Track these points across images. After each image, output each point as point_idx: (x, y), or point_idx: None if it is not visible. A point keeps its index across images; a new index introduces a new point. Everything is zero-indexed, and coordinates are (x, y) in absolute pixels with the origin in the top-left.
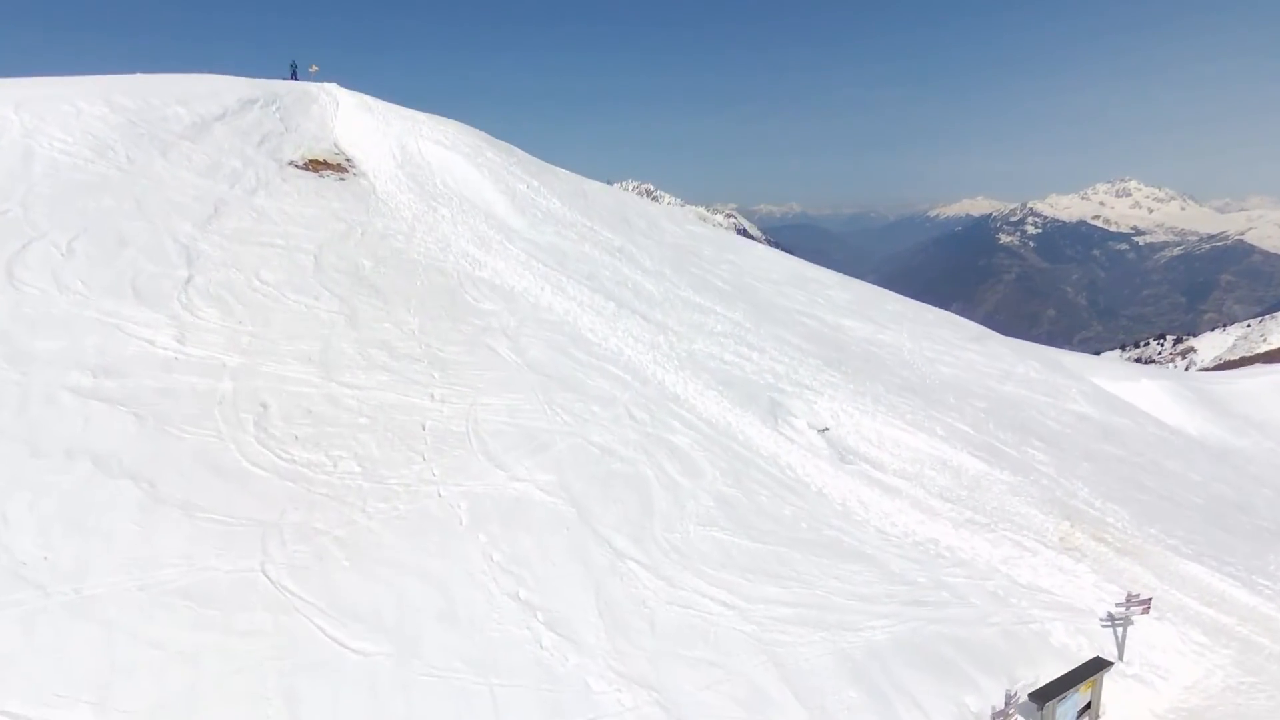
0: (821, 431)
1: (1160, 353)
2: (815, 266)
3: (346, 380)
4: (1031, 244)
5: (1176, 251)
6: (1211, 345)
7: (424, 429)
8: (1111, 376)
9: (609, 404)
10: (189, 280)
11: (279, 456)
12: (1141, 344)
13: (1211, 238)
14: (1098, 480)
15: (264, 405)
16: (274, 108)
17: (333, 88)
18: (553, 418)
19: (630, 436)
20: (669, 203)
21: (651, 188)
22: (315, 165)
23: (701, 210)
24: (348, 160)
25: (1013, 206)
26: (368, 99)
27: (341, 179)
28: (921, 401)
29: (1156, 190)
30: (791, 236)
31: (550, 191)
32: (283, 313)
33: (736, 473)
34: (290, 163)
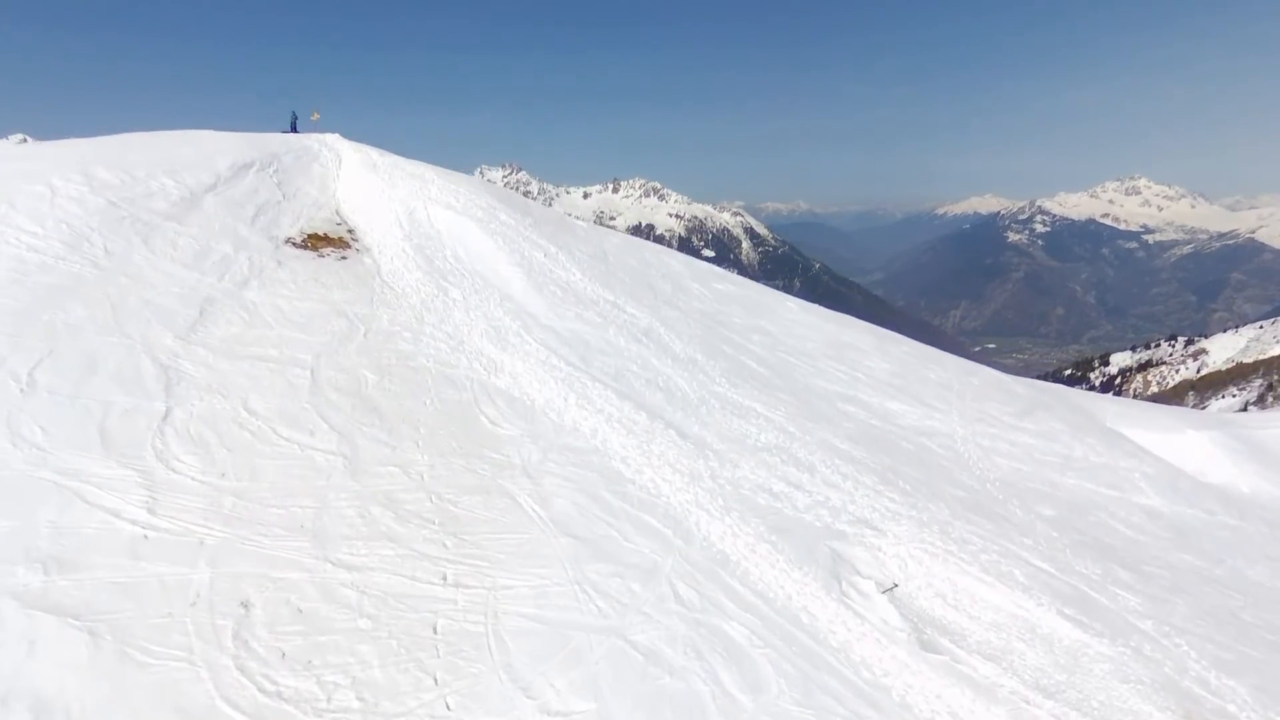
0: (890, 590)
1: (1171, 354)
2: (849, 323)
3: (344, 558)
4: (1040, 242)
5: (1186, 250)
6: (1223, 347)
7: (435, 631)
8: (1155, 428)
9: (650, 577)
10: (167, 415)
11: (261, 689)
12: (1152, 345)
13: (1222, 236)
14: (1197, 629)
15: (245, 605)
16: (271, 170)
17: (335, 140)
18: (586, 605)
19: (678, 630)
20: (675, 201)
21: (659, 185)
22: (315, 241)
23: (708, 208)
24: (350, 232)
25: (1021, 204)
26: (372, 154)
27: (344, 257)
28: (990, 526)
29: (1166, 188)
30: (799, 234)
31: (569, 258)
32: (273, 458)
33: (805, 680)
34: (288, 240)
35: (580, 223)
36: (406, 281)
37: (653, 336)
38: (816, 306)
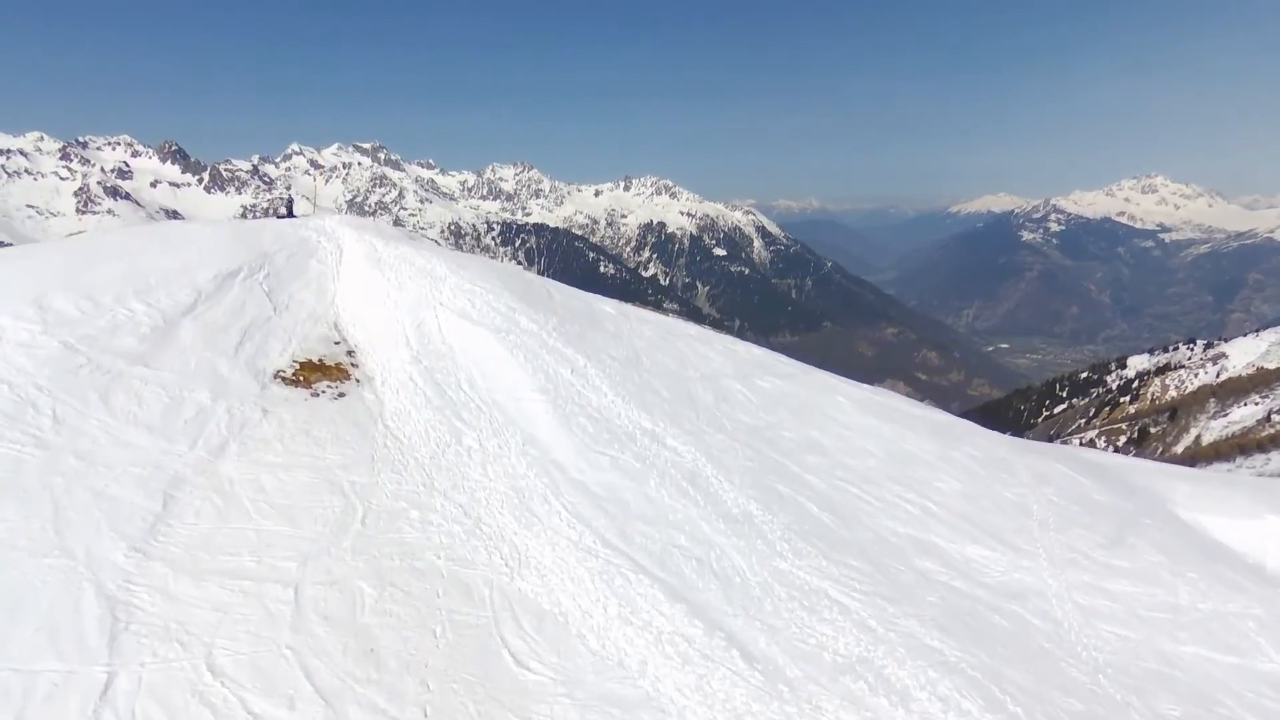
0: None
1: (1190, 358)
2: (909, 420)
3: None
4: (1054, 241)
5: (1203, 249)
6: (1244, 351)
7: None
8: (1233, 513)
9: None
10: (107, 688)
11: None
12: (1170, 348)
13: (1239, 235)
14: None
15: None
16: (262, 275)
17: (336, 226)
18: None
19: None
20: (687, 199)
21: (670, 183)
22: (308, 373)
23: (720, 207)
24: (350, 354)
25: (1035, 203)
26: (377, 244)
27: (341, 394)
28: None
29: (1184, 187)
30: (811, 233)
31: (600, 370)
32: None
33: None
34: (277, 374)
35: (608, 308)
36: (414, 425)
37: (700, 483)
38: (868, 395)
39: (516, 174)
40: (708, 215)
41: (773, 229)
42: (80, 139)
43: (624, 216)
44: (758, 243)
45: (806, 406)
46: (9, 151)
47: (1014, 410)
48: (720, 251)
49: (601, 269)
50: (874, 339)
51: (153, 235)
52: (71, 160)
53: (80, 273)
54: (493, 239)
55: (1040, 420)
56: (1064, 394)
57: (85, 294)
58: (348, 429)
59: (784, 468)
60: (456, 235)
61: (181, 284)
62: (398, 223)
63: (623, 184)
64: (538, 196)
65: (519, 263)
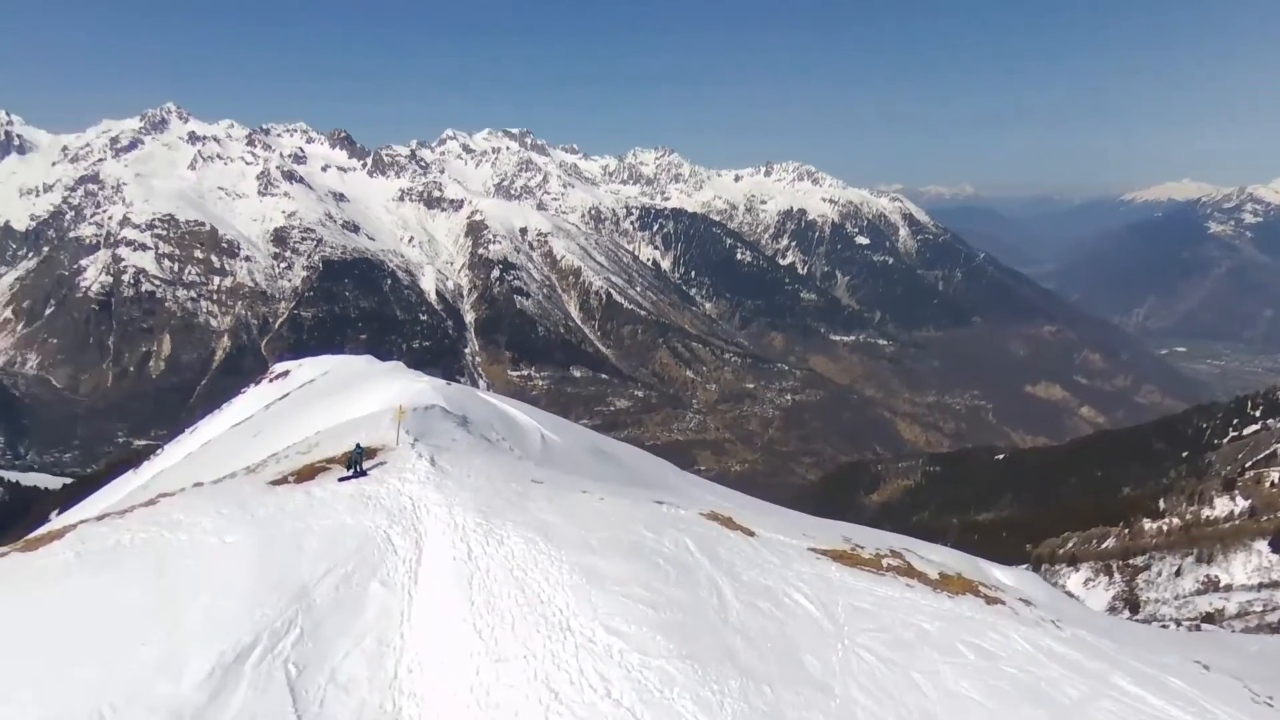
0: None
1: None
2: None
3: None
4: (1248, 234)
5: None
6: None
7: None
8: None
9: None
10: None
11: None
12: None
13: None
14: None
15: None
16: (289, 642)
17: (419, 497)
18: None
19: None
20: (829, 185)
21: (812, 169)
22: None
23: (864, 193)
24: None
25: (1227, 191)
26: (470, 530)
27: None
28: None
29: None
30: (962, 220)
31: None
32: None
33: None
34: None
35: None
36: None
37: None
38: (982, 620)
39: (657, 158)
40: (851, 202)
41: (921, 216)
42: (263, 126)
43: (763, 203)
44: (903, 231)
45: (900, 650)
46: (205, 138)
47: (1194, 428)
48: (863, 240)
49: (738, 255)
50: (1029, 337)
51: (133, 578)
52: (255, 146)
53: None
54: (631, 223)
55: (1225, 441)
56: (1257, 414)
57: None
58: None
59: None
60: (596, 220)
61: (157, 700)
62: (541, 207)
63: (763, 169)
64: (677, 181)
65: (656, 248)
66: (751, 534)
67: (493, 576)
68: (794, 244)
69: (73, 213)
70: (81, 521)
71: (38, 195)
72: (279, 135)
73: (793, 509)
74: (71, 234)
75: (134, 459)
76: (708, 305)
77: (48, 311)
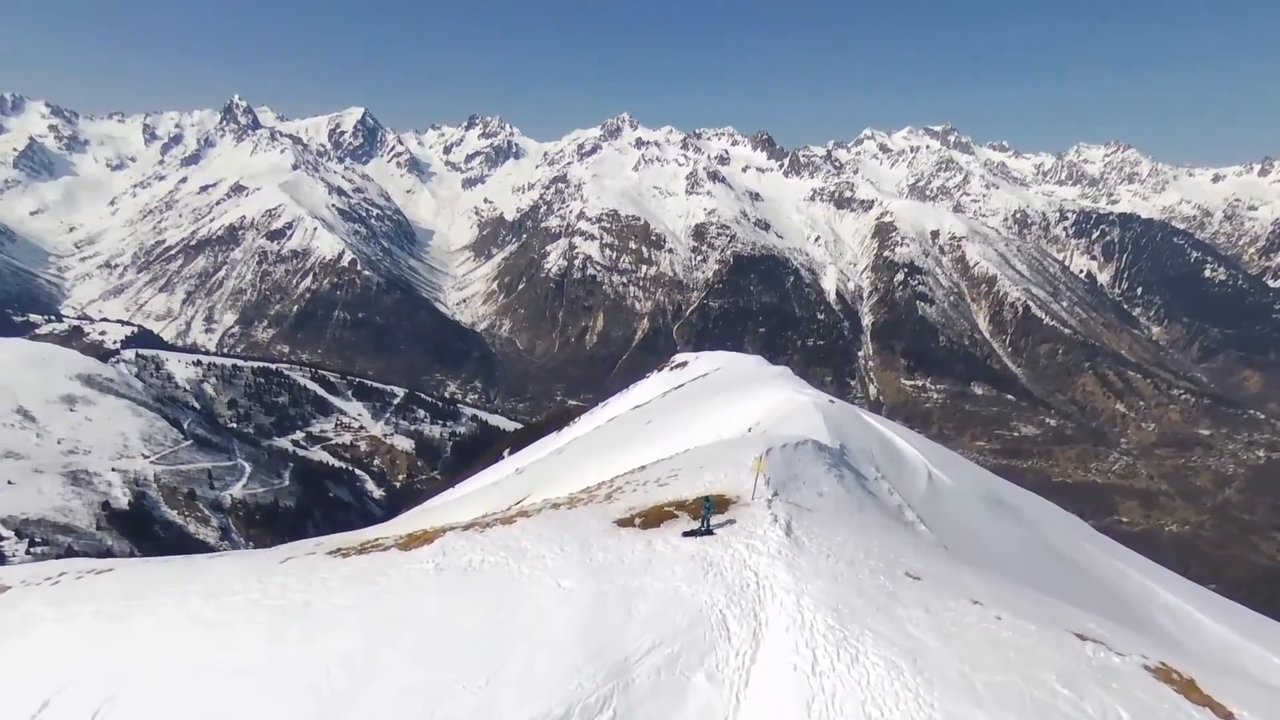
0: None
1: None
2: None
3: None
4: None
5: None
6: None
7: None
8: None
9: None
10: None
11: None
12: None
13: None
14: None
15: None
16: None
17: (764, 572)
18: None
19: None
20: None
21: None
22: None
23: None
24: None
25: None
26: (815, 611)
27: None
28: None
29: None
30: None
31: None
32: None
33: None
34: None
35: None
36: None
37: None
38: None
39: (1107, 155)
40: None
41: None
42: (696, 130)
43: (1252, 209)
44: None
45: None
46: (648, 143)
47: None
48: None
49: (1206, 272)
50: None
51: (474, 608)
52: (688, 149)
53: None
54: (1064, 229)
55: None
56: None
57: None
58: None
59: None
60: (1021, 224)
61: None
62: (958, 209)
63: (1257, 167)
64: (1130, 181)
65: (1093, 258)
66: (1228, 717)
67: (838, 707)
68: None
69: (545, 207)
70: (450, 528)
71: (523, 192)
72: (709, 139)
73: (1246, 604)
74: (542, 224)
75: (563, 418)
76: (1155, 329)
77: (520, 287)
